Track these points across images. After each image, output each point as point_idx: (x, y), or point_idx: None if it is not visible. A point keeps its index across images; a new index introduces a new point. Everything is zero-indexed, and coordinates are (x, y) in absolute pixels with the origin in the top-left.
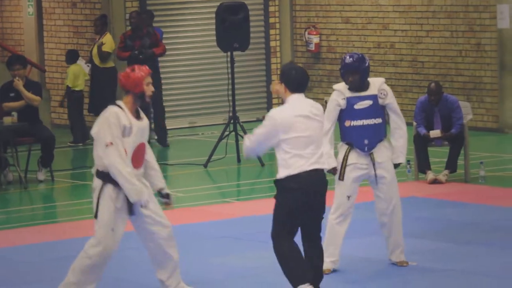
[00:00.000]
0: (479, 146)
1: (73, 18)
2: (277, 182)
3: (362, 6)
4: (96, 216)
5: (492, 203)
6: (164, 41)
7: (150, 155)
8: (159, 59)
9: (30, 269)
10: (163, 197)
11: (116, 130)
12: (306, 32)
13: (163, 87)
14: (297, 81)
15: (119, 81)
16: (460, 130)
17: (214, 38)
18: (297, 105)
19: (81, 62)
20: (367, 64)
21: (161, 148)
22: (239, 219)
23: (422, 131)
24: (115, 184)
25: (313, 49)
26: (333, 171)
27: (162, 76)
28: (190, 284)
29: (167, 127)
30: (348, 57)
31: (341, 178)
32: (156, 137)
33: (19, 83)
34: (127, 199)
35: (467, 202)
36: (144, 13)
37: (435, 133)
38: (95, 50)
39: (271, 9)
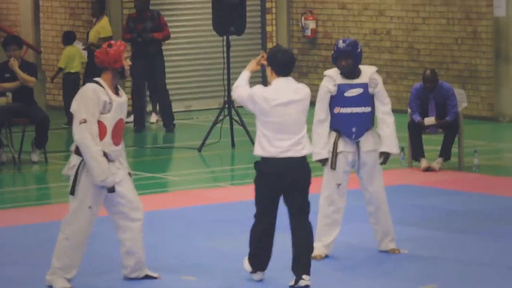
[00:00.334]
0: (474, 134)
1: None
2: (255, 164)
3: None
4: (72, 193)
5: (485, 192)
6: None
7: None
8: None
9: (23, 250)
10: None
11: (93, 107)
12: (303, 18)
13: None
14: (283, 63)
15: (96, 58)
16: (454, 118)
17: (210, 21)
18: (280, 89)
19: (77, 44)
20: (359, 50)
21: (163, 132)
22: (232, 203)
23: (417, 118)
24: None
25: (309, 34)
26: (322, 162)
27: None
28: (181, 269)
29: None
30: (341, 41)
31: (333, 167)
32: (153, 121)
33: (14, 63)
34: None
35: (461, 190)
36: None
37: (430, 120)
38: (91, 34)
39: None
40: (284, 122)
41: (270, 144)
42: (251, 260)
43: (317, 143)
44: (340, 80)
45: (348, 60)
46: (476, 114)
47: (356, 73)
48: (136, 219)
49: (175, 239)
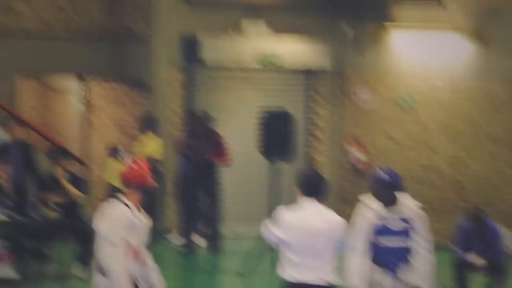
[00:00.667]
0: None
1: (118, 115)
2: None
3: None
4: None
5: None
6: None
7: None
8: None
9: None
10: None
11: (123, 230)
12: (353, 149)
13: None
14: (310, 184)
15: (123, 179)
16: (501, 261)
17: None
18: (307, 212)
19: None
20: (400, 181)
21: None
22: None
23: (462, 255)
24: None
25: (359, 166)
26: None
27: None
28: None
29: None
30: (382, 172)
31: None
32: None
33: (62, 179)
34: None
35: None
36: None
37: (475, 259)
38: (141, 149)
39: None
40: (310, 247)
41: (289, 266)
42: None
43: (353, 274)
44: (382, 211)
45: (389, 191)
46: None
47: (397, 204)
48: None
49: None
